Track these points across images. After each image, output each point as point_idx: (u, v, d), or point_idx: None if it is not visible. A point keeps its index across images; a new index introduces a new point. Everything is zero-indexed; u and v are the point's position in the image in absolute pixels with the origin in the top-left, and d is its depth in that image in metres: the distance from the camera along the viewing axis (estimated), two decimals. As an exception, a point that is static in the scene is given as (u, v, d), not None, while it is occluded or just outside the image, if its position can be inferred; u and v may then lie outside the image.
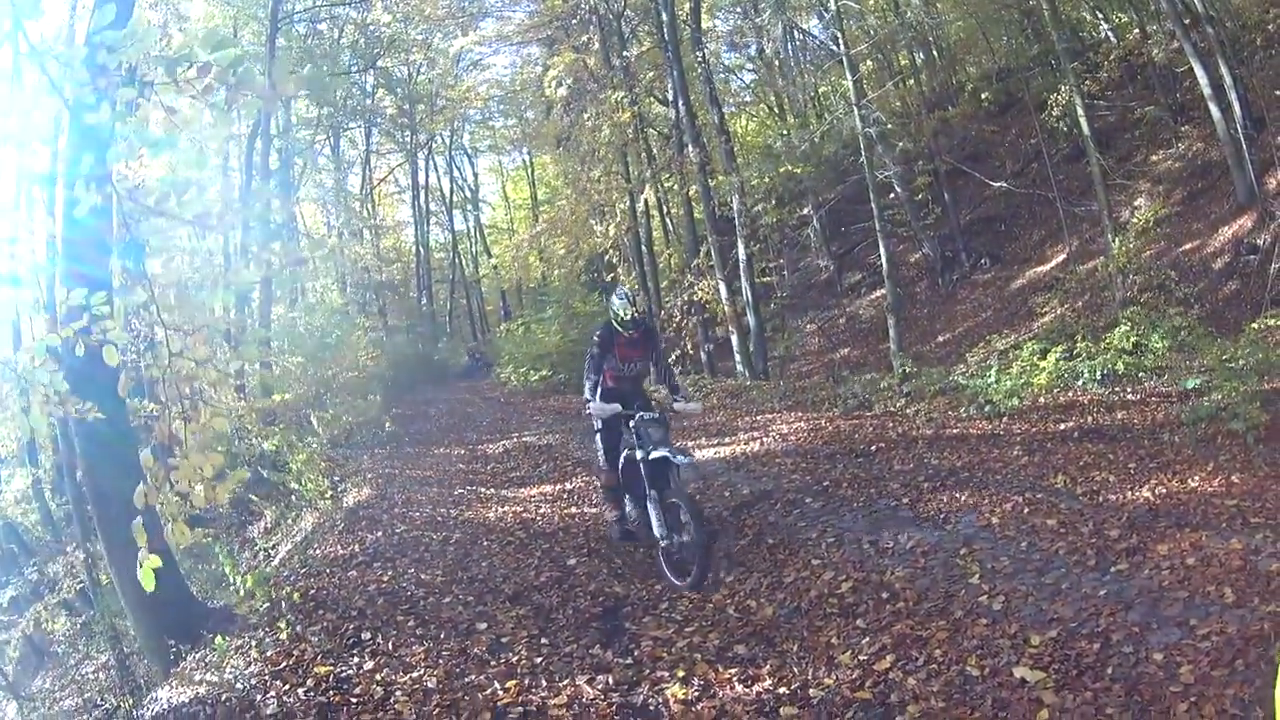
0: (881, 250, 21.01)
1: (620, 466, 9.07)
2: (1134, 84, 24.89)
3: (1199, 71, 19.14)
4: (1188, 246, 19.27)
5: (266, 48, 25.53)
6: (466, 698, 5.65)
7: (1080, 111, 19.07)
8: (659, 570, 8.36)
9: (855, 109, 21.07)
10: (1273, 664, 4.85)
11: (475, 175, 57.94)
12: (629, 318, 8.93)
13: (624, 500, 9.24)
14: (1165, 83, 23.74)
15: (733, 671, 5.86)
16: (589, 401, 9.06)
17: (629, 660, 6.24)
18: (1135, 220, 19.88)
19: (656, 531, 8.35)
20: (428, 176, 50.22)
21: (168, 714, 6.10)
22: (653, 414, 8.87)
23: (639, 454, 8.55)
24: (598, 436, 9.32)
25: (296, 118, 33.04)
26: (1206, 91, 19.11)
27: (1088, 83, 21.97)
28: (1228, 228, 18.91)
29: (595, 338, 9.13)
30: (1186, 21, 20.12)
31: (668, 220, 34.52)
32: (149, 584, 4.88)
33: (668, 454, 8.38)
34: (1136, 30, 25.51)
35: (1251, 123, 19.26)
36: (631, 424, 8.78)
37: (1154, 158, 22.83)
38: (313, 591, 8.04)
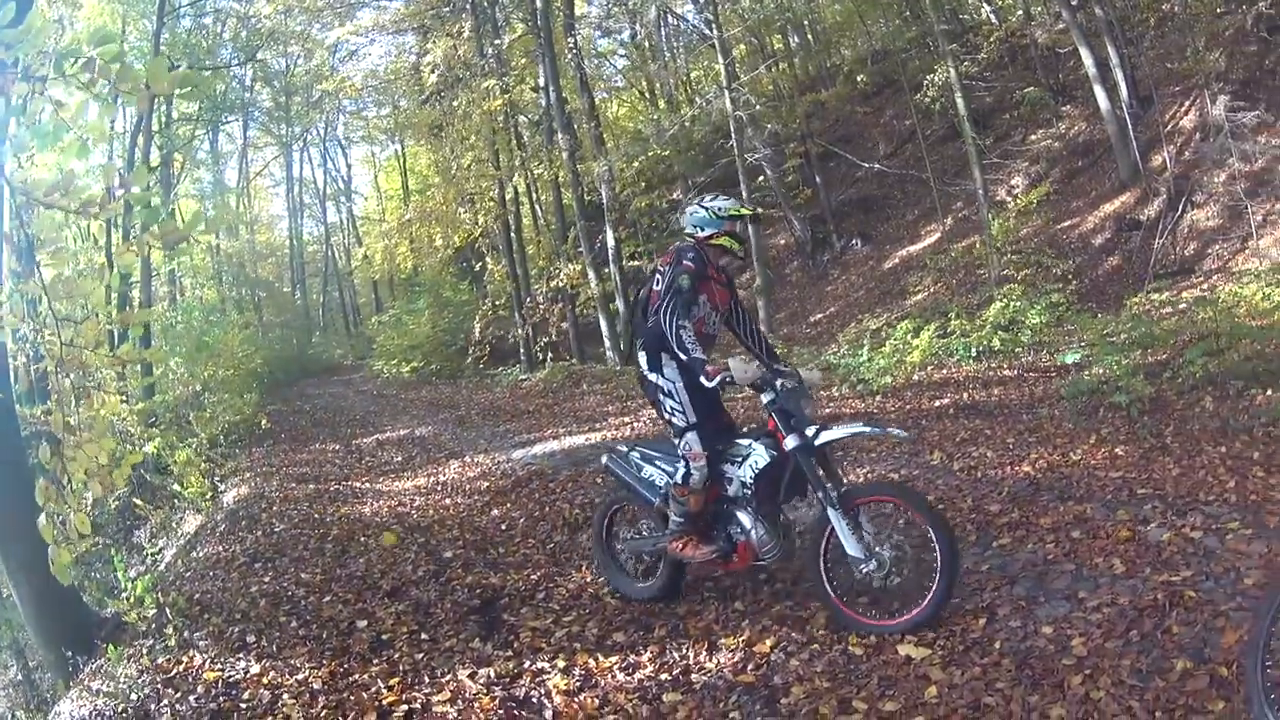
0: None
1: (740, 478, 6.11)
2: (1014, 65, 25.67)
3: (1084, 52, 19.69)
4: (1066, 224, 19.80)
5: (152, 43, 25.64)
6: (351, 698, 5.62)
7: (957, 92, 19.35)
8: (835, 615, 5.75)
9: (726, 92, 21.20)
10: (1170, 633, 4.78)
11: (348, 166, 59.31)
12: (744, 224, 6.54)
13: (712, 529, 6.27)
14: (1047, 64, 24.51)
15: (613, 660, 5.81)
16: (695, 363, 5.84)
17: (509, 652, 6.18)
18: (1013, 199, 20.27)
19: (852, 551, 5.56)
20: (302, 169, 51.82)
21: (70, 727, 6.06)
22: (792, 379, 6.12)
23: (791, 442, 5.75)
24: (690, 436, 6.09)
25: (178, 113, 32.98)
26: (1091, 72, 19.66)
27: (966, 64, 22.43)
28: (1109, 205, 19.46)
29: (685, 262, 6.07)
30: (1074, 2, 20.57)
31: (537, 207, 34.65)
32: (65, 578, 5.23)
33: (866, 429, 6.48)
34: (1020, 12, 26.09)
35: (1138, 101, 19.94)
36: (766, 399, 5.90)
37: (1032, 137, 23.51)
38: (198, 595, 8.06)
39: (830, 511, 5.62)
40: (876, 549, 5.55)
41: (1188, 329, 11.25)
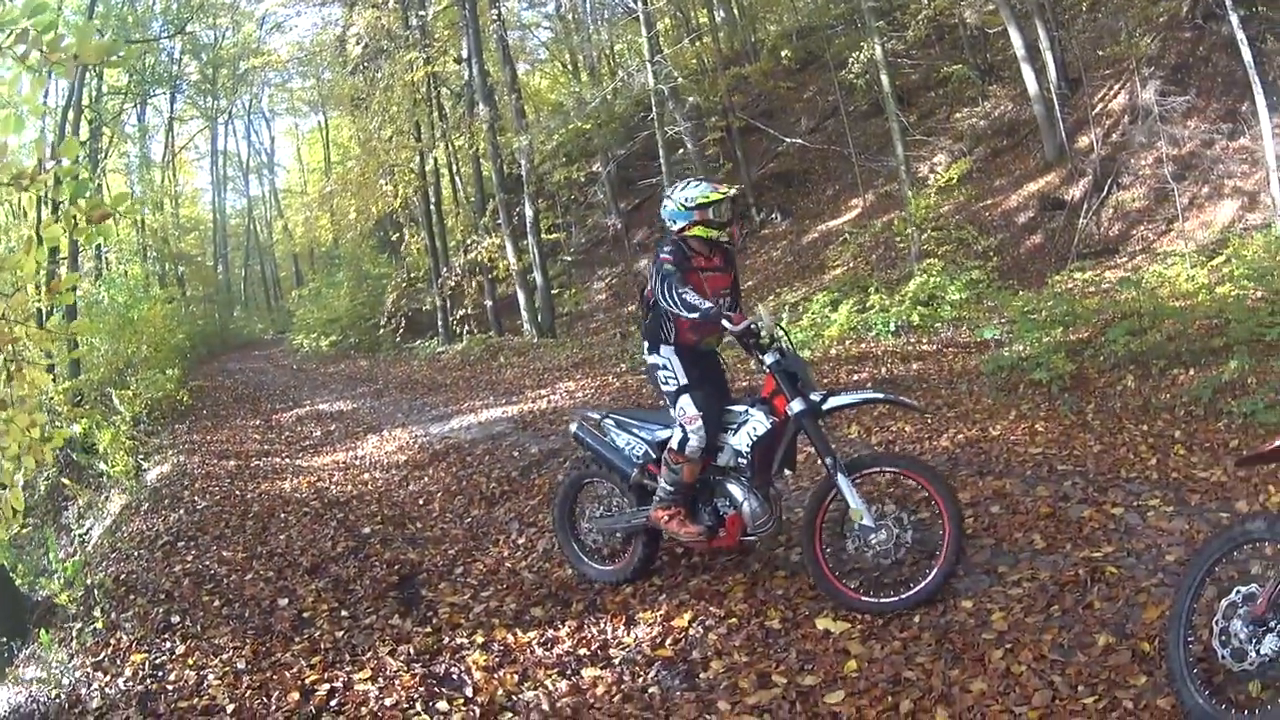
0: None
1: (732, 446, 5.87)
2: (942, 44, 25.83)
3: (1014, 33, 19.81)
4: (989, 202, 20.00)
5: (86, 16, 24.84)
6: (275, 677, 5.60)
7: (882, 69, 19.43)
8: (828, 591, 5.53)
9: (649, 65, 21.12)
10: (1092, 608, 4.80)
11: (272, 139, 59.56)
12: (723, 208, 5.98)
13: (697, 502, 6.04)
14: (975, 43, 24.71)
15: (532, 635, 5.84)
16: (710, 311, 5.56)
17: (428, 629, 6.21)
18: (935, 176, 20.39)
19: (867, 521, 5.31)
20: (226, 143, 52.32)
21: (8, 717, 6.06)
22: (790, 345, 5.89)
23: (797, 405, 5.51)
24: (683, 399, 5.85)
25: (108, 86, 33.05)
26: (1020, 53, 19.83)
27: (893, 41, 22.46)
28: (1033, 184, 19.71)
29: (662, 256, 5.86)
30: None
31: (457, 180, 34.61)
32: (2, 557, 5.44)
33: (878, 395, 6.20)
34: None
35: (1067, 83, 20.24)
36: (770, 360, 5.61)
37: (957, 115, 23.69)
38: (124, 576, 8.06)
39: (840, 479, 5.40)
40: (887, 521, 5.36)
41: (1110, 308, 11.38)
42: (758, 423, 5.71)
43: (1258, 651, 3.59)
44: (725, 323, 5.55)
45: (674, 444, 5.85)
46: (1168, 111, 17.36)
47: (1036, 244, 18.17)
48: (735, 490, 5.76)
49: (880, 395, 6.15)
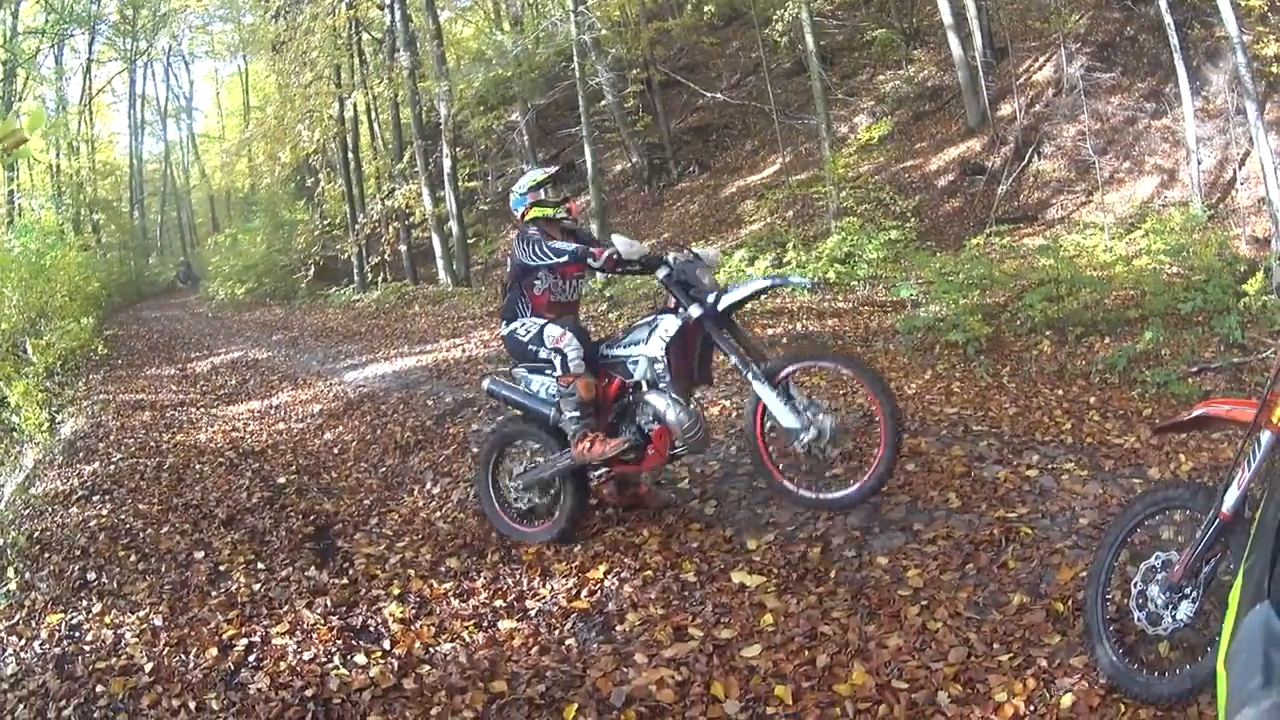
0: (588, 156, 21.22)
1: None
2: (868, 6, 26.16)
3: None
4: (909, 164, 20.21)
5: None
6: (192, 633, 5.53)
7: (807, 28, 19.37)
8: (778, 488, 5.77)
9: (573, 15, 20.85)
10: (1007, 568, 4.89)
11: (191, 83, 58.45)
12: (550, 188, 6.33)
13: (618, 428, 6.05)
14: (902, 8, 24.97)
15: (448, 586, 5.86)
16: (575, 250, 5.90)
17: (345, 580, 6.20)
18: (855, 136, 20.55)
19: (789, 423, 5.43)
20: (144, 86, 51.97)
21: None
22: (685, 255, 6.00)
23: (694, 311, 5.60)
24: (546, 329, 6.02)
25: (24, 26, 32.85)
26: (947, 20, 19.99)
27: (819, 1, 22.56)
28: (954, 149, 19.95)
29: (528, 230, 6.10)
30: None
31: (376, 126, 34.11)
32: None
33: (766, 282, 6.08)
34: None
35: (992, 52, 20.54)
36: (662, 274, 5.76)
37: (880, 78, 23.91)
38: (38, 533, 7.84)
39: (757, 386, 5.50)
40: (813, 418, 5.40)
41: (1028, 274, 11.59)
42: (668, 325, 5.73)
43: (1173, 617, 3.68)
44: (589, 261, 5.83)
45: (558, 371, 5.91)
46: (1092, 86, 17.70)
47: (955, 208, 18.43)
48: (657, 401, 5.72)
49: (768, 281, 6.11)
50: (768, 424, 5.65)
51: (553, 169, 6.54)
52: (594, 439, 5.84)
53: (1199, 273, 10.51)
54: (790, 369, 5.58)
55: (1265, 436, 3.43)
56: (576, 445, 5.88)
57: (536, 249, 5.91)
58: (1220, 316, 9.13)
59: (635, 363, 5.85)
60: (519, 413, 6.53)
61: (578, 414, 5.88)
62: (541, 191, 6.23)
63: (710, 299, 5.57)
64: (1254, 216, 14.39)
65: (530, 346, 6.07)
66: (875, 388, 5.38)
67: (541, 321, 6.03)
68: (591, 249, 5.83)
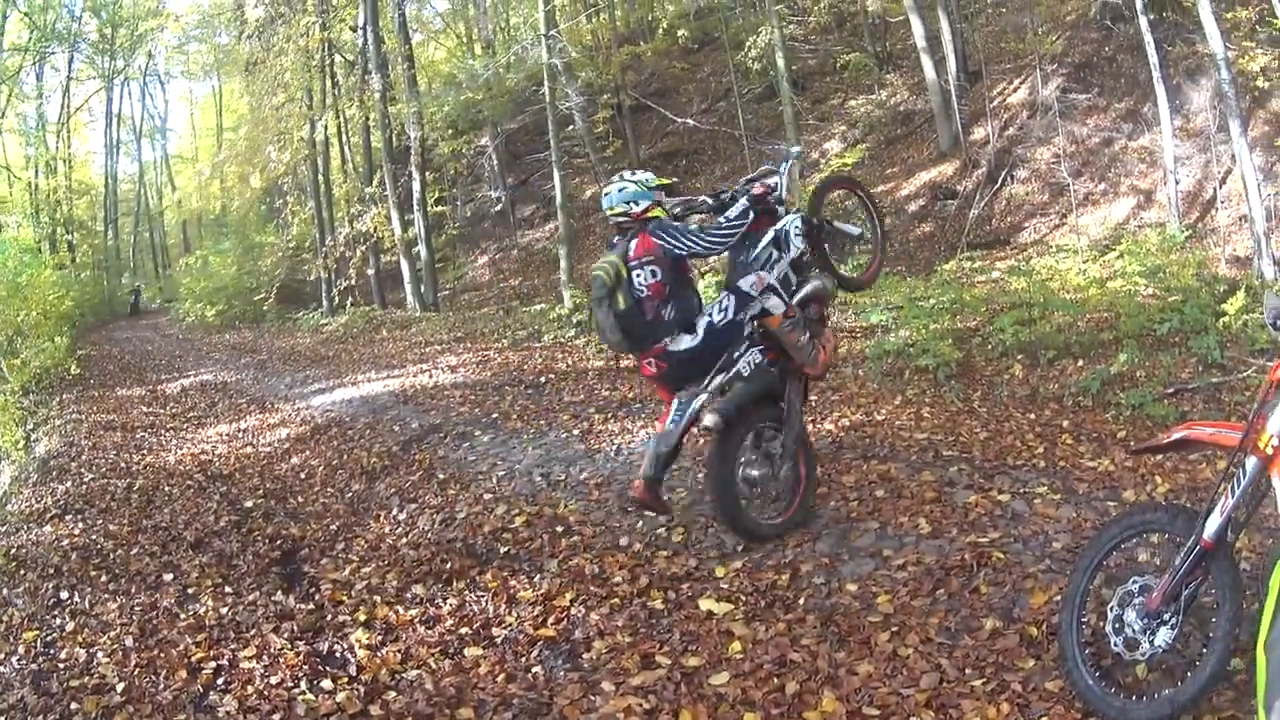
0: (556, 182, 21.32)
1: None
2: (841, 31, 26.34)
3: (915, 22, 20.21)
4: (881, 188, 20.28)
5: None
6: (162, 655, 5.52)
7: (779, 52, 19.56)
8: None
9: (544, 39, 20.93)
10: (979, 593, 4.85)
11: (166, 103, 59.24)
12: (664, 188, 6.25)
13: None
14: (876, 32, 25.17)
15: (414, 612, 5.80)
16: (736, 222, 6.01)
17: (311, 605, 6.17)
18: (826, 161, 20.61)
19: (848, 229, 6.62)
20: (121, 105, 52.22)
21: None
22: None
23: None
24: (757, 279, 5.96)
25: (9, 44, 33.86)
26: (921, 44, 20.22)
27: (792, 26, 22.68)
28: (926, 173, 20.12)
29: (668, 224, 6.02)
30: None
31: (346, 149, 34.17)
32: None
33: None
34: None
35: (966, 76, 20.68)
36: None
37: (853, 102, 24.11)
38: (14, 550, 7.95)
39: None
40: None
41: (1000, 298, 11.62)
42: (792, 222, 6.20)
43: (1151, 643, 3.63)
44: (745, 200, 6.13)
45: (781, 306, 5.87)
46: (1068, 108, 17.85)
47: (926, 232, 18.55)
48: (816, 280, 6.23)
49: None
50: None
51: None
52: (822, 344, 6.16)
53: (1176, 293, 10.57)
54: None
55: (1251, 462, 3.40)
56: (819, 360, 6.07)
57: (700, 238, 5.86)
58: (1198, 337, 9.15)
59: (784, 252, 6.20)
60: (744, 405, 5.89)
61: (807, 335, 5.98)
62: (663, 193, 6.14)
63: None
64: (1235, 235, 14.48)
65: (738, 317, 5.84)
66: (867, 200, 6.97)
67: (724, 291, 5.97)
68: (746, 198, 6.13)
